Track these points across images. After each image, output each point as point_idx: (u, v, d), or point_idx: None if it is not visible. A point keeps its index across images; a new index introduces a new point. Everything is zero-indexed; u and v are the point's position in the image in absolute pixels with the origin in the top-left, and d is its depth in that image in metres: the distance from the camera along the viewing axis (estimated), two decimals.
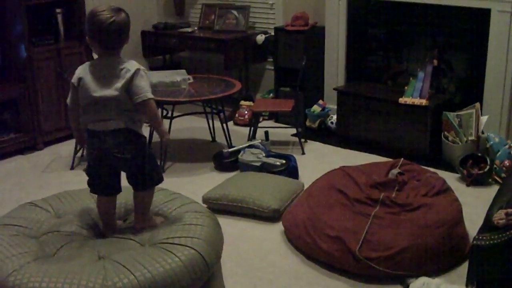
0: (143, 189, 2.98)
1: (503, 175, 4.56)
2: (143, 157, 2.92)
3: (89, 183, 3.00)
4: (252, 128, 5.50)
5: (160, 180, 3.05)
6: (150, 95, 2.84)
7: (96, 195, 3.05)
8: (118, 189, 3.03)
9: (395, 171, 4.05)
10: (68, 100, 2.99)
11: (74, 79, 2.91)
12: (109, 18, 2.79)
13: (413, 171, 4.08)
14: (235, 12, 6.52)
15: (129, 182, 3.00)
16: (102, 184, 2.98)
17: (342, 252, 3.42)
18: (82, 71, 2.89)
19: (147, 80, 2.86)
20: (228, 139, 5.36)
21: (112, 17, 2.80)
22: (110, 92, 2.81)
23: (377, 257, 3.34)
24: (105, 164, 2.91)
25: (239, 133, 5.77)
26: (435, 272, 3.40)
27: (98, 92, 2.82)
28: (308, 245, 3.60)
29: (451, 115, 4.99)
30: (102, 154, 2.87)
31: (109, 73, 2.83)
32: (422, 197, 3.71)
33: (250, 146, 5.02)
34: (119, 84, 2.80)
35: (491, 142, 4.79)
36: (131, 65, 2.84)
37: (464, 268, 3.27)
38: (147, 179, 2.96)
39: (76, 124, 3.02)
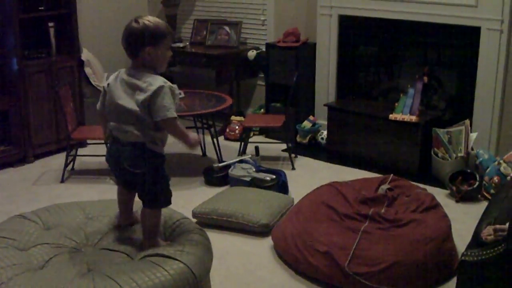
0: (146, 206, 2.94)
1: (492, 191, 4.58)
2: (154, 176, 2.86)
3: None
4: (243, 143, 5.51)
5: (167, 203, 2.97)
6: (171, 114, 2.75)
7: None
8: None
9: (384, 186, 4.07)
10: (98, 105, 3.00)
11: (105, 84, 2.93)
12: (128, 24, 2.81)
13: (402, 187, 4.10)
14: (227, 28, 6.54)
15: (137, 195, 2.98)
16: (121, 179, 3.03)
17: (331, 267, 3.42)
18: (112, 77, 2.90)
19: (170, 98, 2.76)
20: (218, 154, 5.37)
21: (129, 24, 2.81)
22: (132, 104, 2.77)
23: (366, 272, 3.34)
24: (119, 172, 2.95)
25: (230, 148, 5.78)
26: (423, 287, 3.41)
27: (122, 100, 2.80)
28: (297, 260, 3.60)
29: (441, 132, 5.02)
30: (116, 164, 2.91)
31: (134, 84, 2.79)
32: (411, 213, 3.72)
33: (241, 161, 5.02)
34: (140, 97, 2.75)
35: (481, 159, 4.82)
36: (155, 81, 2.77)
37: (452, 283, 3.29)
38: (152, 199, 2.90)
39: (104, 128, 3.03)
